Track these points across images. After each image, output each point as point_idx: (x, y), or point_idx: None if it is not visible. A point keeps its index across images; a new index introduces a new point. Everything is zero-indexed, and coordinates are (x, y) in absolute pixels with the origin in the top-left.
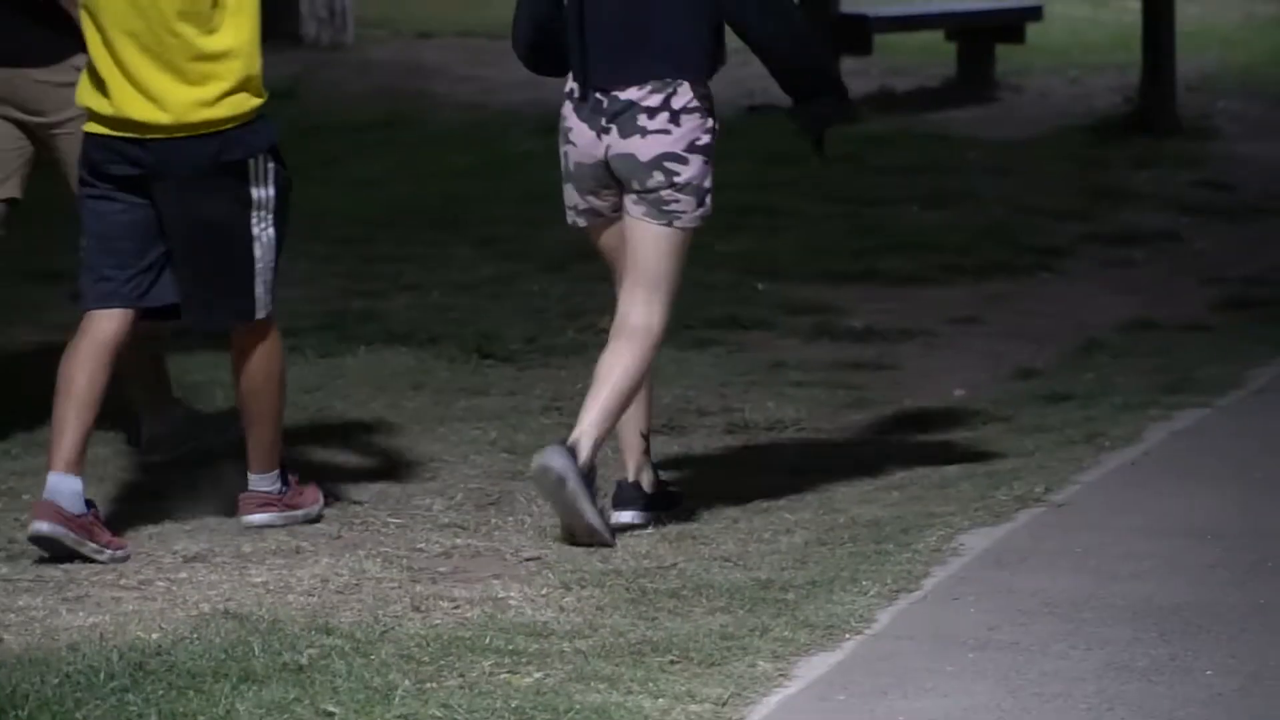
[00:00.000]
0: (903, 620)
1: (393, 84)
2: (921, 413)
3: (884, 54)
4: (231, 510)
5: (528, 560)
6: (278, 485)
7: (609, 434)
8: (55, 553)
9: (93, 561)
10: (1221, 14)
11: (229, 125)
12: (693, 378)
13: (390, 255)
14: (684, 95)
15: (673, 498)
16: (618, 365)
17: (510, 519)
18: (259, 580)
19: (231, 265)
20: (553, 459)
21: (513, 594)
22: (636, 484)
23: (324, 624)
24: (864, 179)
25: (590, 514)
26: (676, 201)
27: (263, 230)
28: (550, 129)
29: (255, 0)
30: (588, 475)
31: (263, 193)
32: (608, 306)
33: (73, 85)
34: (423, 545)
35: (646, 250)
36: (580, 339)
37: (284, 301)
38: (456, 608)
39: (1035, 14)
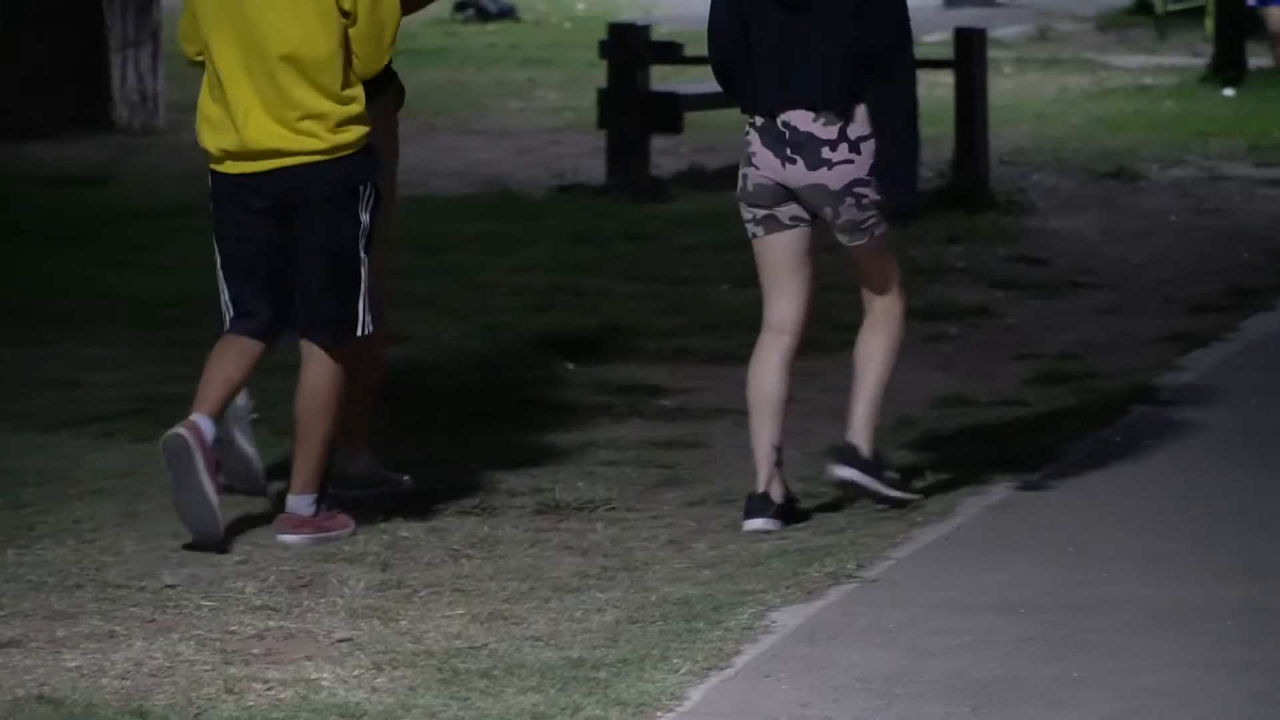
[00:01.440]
0: (714, 698)
1: (205, 167)
2: (733, 491)
3: (694, 132)
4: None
5: (340, 641)
6: (314, 509)
7: (879, 417)
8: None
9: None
10: (1034, 88)
11: (353, 150)
12: (503, 458)
13: (203, 340)
14: (858, 125)
15: (797, 512)
16: (874, 354)
17: (322, 600)
18: (73, 665)
19: (344, 284)
20: (840, 472)
21: (325, 675)
22: (766, 495)
23: (138, 707)
24: (674, 258)
25: (887, 491)
26: (868, 217)
27: (366, 253)
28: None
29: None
30: (874, 464)
31: (367, 218)
32: (422, 389)
33: None
34: (235, 627)
35: (868, 264)
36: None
37: (96, 387)
38: (270, 689)
39: None
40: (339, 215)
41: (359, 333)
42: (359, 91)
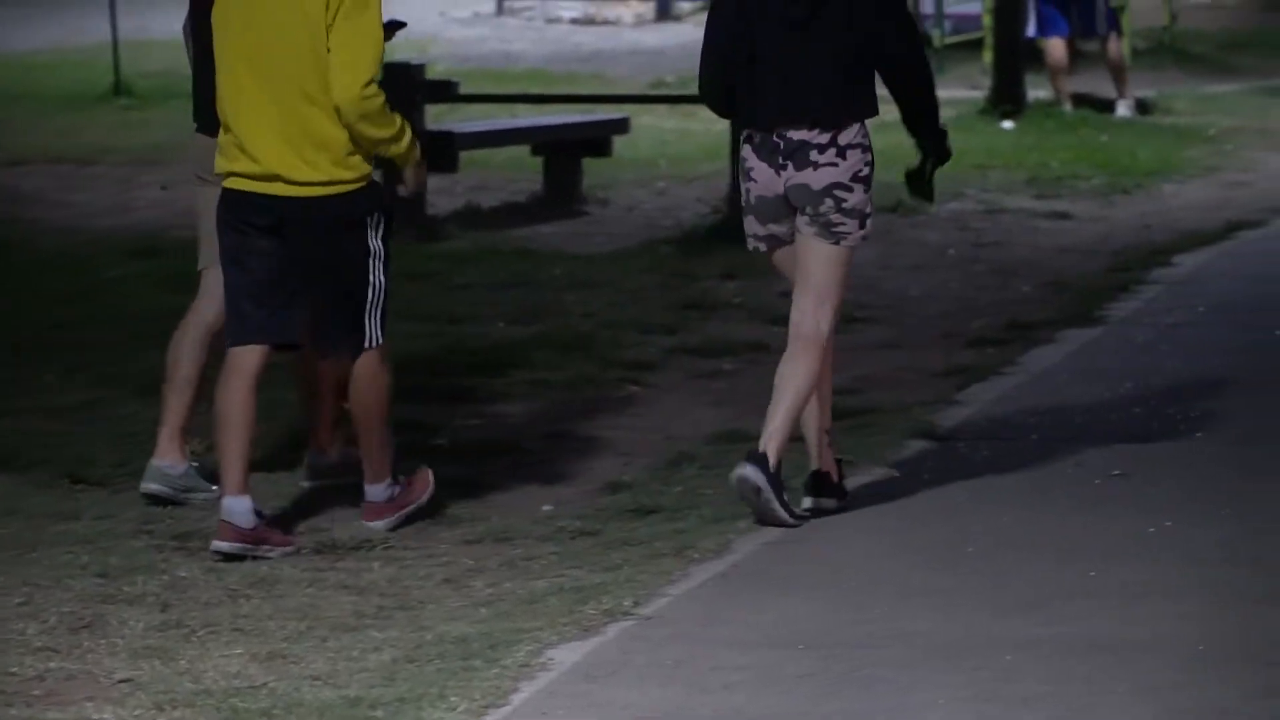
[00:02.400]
0: None
1: None
2: (510, 528)
3: (470, 170)
4: None
5: (121, 682)
6: (390, 491)
7: (792, 434)
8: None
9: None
10: None
11: (358, 184)
12: (280, 498)
13: None
14: (849, 134)
15: (845, 492)
16: (796, 372)
17: (103, 641)
18: None
19: (352, 305)
20: (747, 470)
21: (106, 716)
22: (823, 473)
23: None
24: (449, 296)
25: (781, 512)
26: (843, 224)
27: (376, 276)
28: (142, 252)
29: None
30: (776, 475)
31: (378, 244)
32: (197, 430)
33: None
34: (16, 669)
35: (818, 265)
36: None
37: None
38: None
39: (622, 126)
40: (343, 243)
41: (368, 346)
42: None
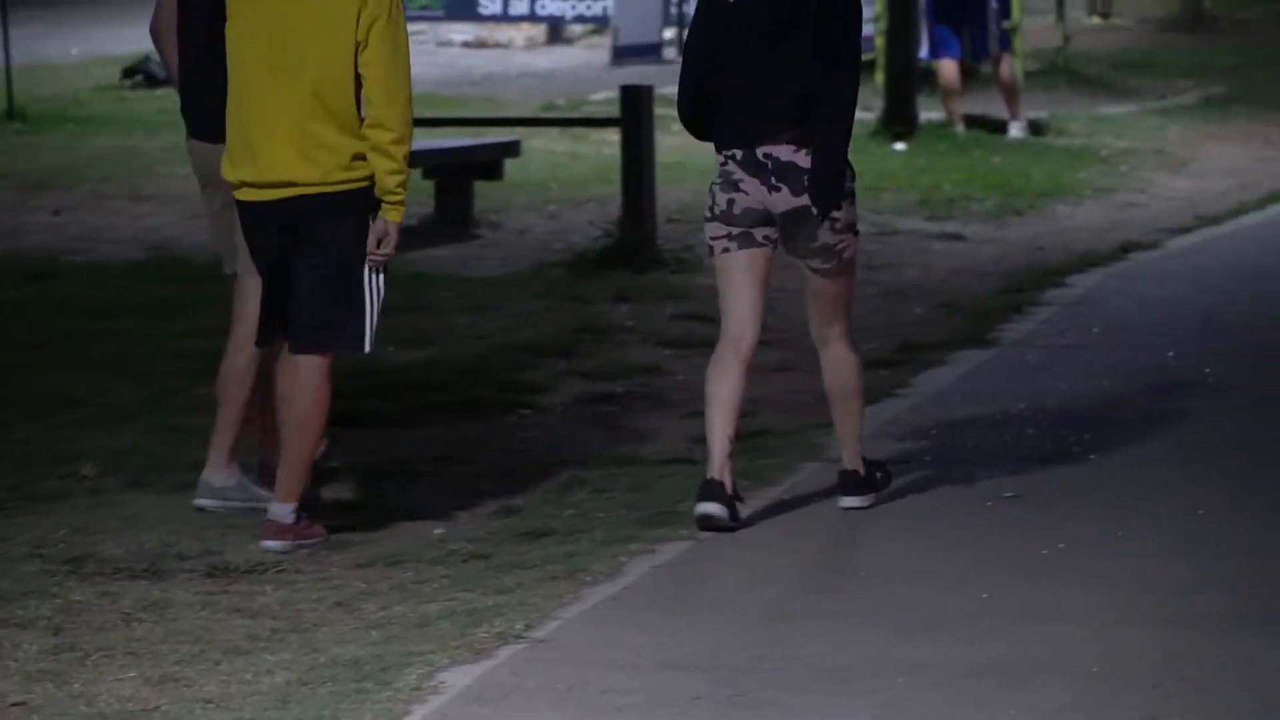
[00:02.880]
0: None
1: None
2: (401, 552)
3: None
4: None
5: (14, 705)
6: (293, 517)
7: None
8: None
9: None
10: (699, 146)
11: (360, 185)
12: (173, 521)
13: None
14: None
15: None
16: (841, 374)
17: None
18: None
19: (348, 302)
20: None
21: None
22: (718, 481)
23: None
24: None
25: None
26: (840, 241)
27: (375, 277)
28: (38, 276)
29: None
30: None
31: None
32: (92, 453)
33: None
34: None
35: (832, 289)
36: (63, 486)
37: None
38: None
39: (513, 150)
40: (342, 240)
41: (366, 349)
42: (376, 133)
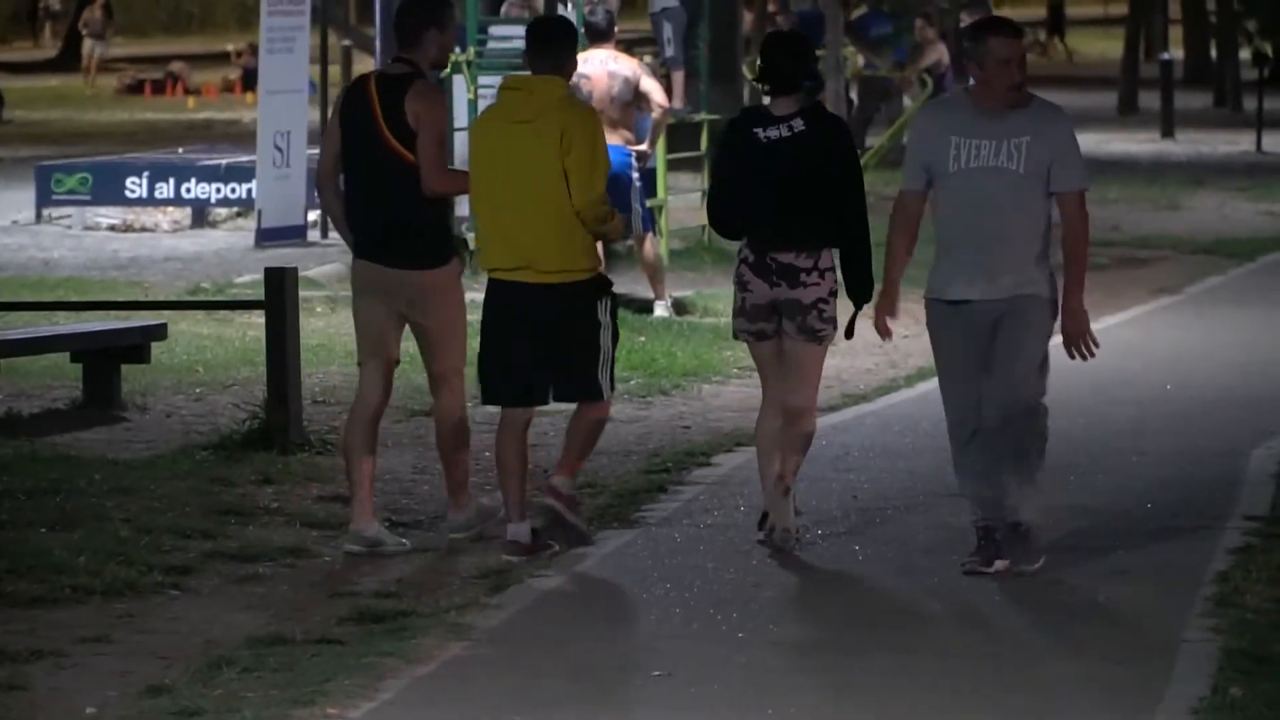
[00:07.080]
0: None
1: None
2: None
3: (10, 377)
4: None
5: None
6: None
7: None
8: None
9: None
10: (344, 325)
11: (585, 275)
12: None
13: None
14: (825, 259)
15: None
16: (794, 434)
17: None
18: None
19: (589, 360)
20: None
21: None
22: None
23: None
24: None
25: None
26: (823, 329)
27: (605, 341)
28: None
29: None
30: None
31: (606, 318)
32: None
33: None
34: None
35: (807, 359)
36: None
37: None
38: None
39: (159, 333)
40: (578, 317)
41: (604, 398)
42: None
